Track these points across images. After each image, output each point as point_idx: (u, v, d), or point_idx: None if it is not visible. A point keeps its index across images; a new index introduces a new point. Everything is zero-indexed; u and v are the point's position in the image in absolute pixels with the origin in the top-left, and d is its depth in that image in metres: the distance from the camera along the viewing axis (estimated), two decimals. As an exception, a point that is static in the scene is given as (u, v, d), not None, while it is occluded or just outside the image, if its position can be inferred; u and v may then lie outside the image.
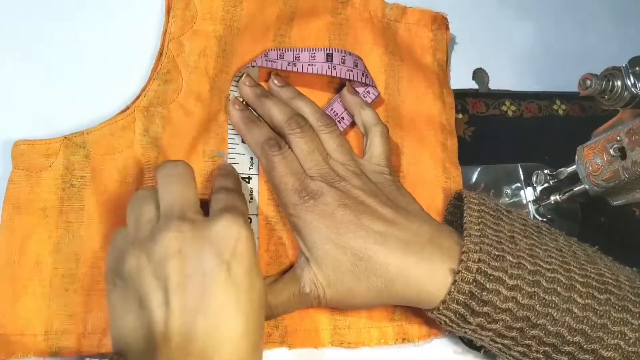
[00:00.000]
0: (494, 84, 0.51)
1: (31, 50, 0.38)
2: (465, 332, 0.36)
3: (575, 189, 0.43)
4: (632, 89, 0.36)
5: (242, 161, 0.40)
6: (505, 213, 0.38)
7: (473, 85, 0.50)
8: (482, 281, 0.33)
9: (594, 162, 0.41)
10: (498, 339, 0.35)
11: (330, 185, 0.36)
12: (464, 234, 0.35)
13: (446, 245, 0.35)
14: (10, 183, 0.34)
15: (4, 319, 0.33)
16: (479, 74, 0.50)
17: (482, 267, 0.33)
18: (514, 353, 0.35)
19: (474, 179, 0.46)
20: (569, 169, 0.44)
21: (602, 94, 0.37)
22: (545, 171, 0.46)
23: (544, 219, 0.46)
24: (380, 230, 0.35)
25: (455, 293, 0.33)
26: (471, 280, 0.33)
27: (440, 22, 0.48)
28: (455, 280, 0.33)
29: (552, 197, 0.45)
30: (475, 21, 0.52)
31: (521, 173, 0.48)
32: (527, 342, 0.34)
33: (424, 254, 0.35)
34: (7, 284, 0.33)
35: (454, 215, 0.42)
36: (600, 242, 0.48)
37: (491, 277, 0.33)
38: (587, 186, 0.42)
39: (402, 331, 0.40)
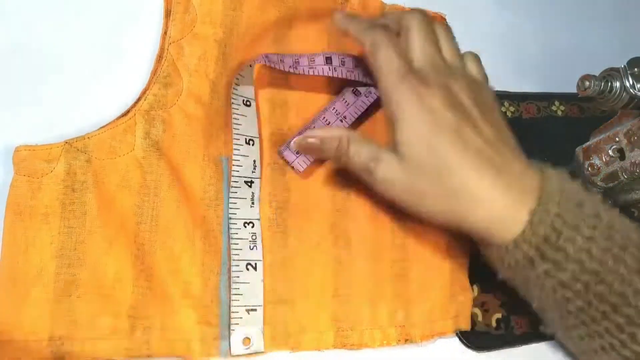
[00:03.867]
0: (493, 85, 0.51)
1: (30, 54, 0.38)
2: (524, 282, 0.34)
3: (574, 190, 0.44)
4: (631, 90, 0.36)
5: (245, 164, 0.40)
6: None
7: (472, 86, 0.50)
8: (558, 227, 0.32)
9: (592, 163, 0.41)
10: (559, 289, 0.33)
11: (440, 78, 0.35)
12: (544, 177, 0.34)
13: (529, 186, 0.34)
14: (11, 189, 0.34)
15: (8, 325, 0.33)
16: (478, 75, 0.51)
17: (562, 212, 0.32)
18: (571, 307, 0.34)
19: (473, 180, 0.46)
20: (568, 170, 0.44)
21: (600, 95, 0.37)
22: (544, 172, 0.46)
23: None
24: (479, 148, 0.33)
25: (529, 235, 0.32)
26: (549, 223, 0.32)
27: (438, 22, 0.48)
28: (532, 221, 0.32)
29: (551, 198, 0.46)
30: (474, 22, 0.52)
31: (520, 173, 0.48)
32: (589, 297, 0.33)
33: (510, 190, 0.33)
34: (11, 290, 0.33)
35: None
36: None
37: (568, 225, 0.32)
38: (586, 187, 0.42)
39: (405, 332, 0.40)
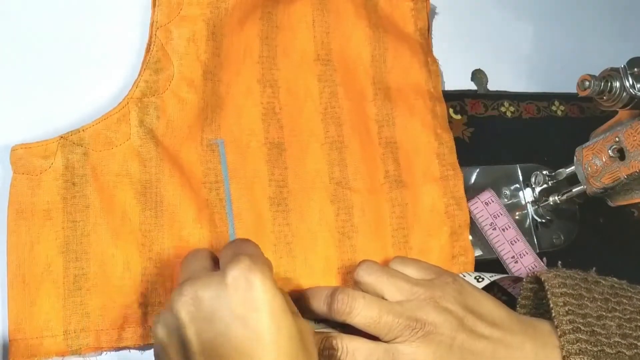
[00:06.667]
0: (493, 85, 0.51)
1: (20, 50, 0.38)
2: None
3: (574, 190, 0.44)
4: (631, 90, 0.36)
5: None
6: (583, 285, 0.37)
7: (472, 86, 0.50)
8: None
9: (593, 163, 0.41)
10: None
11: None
12: (560, 341, 0.35)
13: (551, 344, 0.35)
14: (12, 188, 0.34)
15: (22, 323, 0.33)
16: (478, 75, 0.51)
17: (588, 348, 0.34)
18: None
19: (472, 180, 0.46)
20: (568, 170, 0.44)
21: (600, 95, 0.37)
22: (544, 172, 0.46)
23: (543, 220, 0.46)
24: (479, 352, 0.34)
25: None
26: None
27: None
28: None
29: (551, 198, 0.46)
30: (474, 22, 0.52)
31: (520, 174, 0.48)
32: None
33: None
34: (21, 289, 0.33)
35: (527, 299, 0.41)
36: (598, 243, 0.49)
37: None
38: (585, 187, 0.42)
39: None
